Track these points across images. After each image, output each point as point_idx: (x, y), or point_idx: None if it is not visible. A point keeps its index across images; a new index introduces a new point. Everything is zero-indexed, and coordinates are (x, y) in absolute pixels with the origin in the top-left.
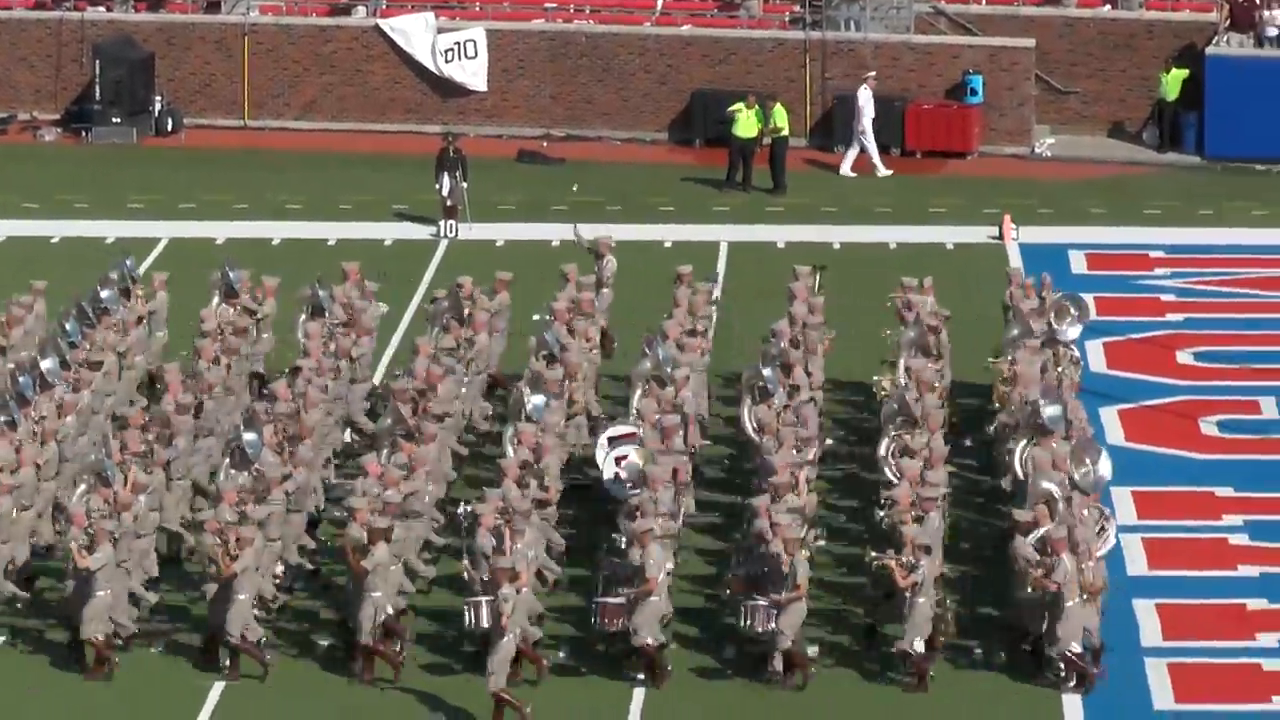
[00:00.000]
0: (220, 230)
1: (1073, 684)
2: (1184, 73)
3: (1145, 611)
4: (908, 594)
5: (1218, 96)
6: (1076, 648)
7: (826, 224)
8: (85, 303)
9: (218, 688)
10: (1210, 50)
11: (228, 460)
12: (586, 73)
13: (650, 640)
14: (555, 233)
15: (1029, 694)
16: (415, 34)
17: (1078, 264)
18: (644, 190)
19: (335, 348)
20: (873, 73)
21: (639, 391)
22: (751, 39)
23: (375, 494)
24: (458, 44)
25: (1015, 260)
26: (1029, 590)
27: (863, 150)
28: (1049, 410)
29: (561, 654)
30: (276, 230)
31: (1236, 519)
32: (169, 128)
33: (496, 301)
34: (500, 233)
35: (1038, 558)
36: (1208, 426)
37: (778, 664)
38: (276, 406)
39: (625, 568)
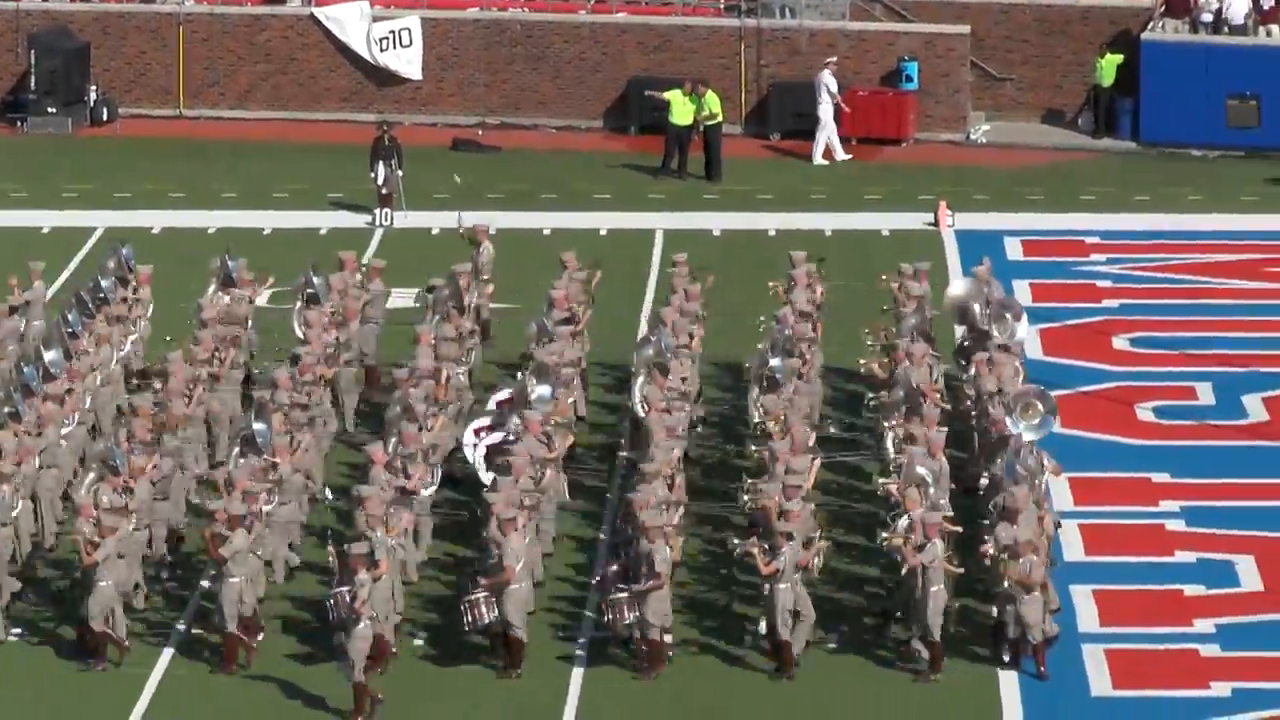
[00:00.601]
0: (156, 219)
1: (927, 669)
2: (1119, 58)
3: (1082, 597)
4: (768, 581)
5: (1153, 82)
6: (936, 634)
7: (762, 211)
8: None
9: (155, 677)
10: (1145, 35)
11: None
12: (521, 60)
13: (520, 631)
14: (491, 221)
15: (968, 677)
16: (350, 22)
17: (1013, 250)
18: (579, 178)
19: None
20: (833, 58)
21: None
22: (687, 26)
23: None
24: (392, 32)
25: (951, 246)
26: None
27: (816, 134)
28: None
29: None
30: (212, 219)
31: (1173, 505)
32: (104, 117)
33: (371, 289)
34: (435, 221)
35: (907, 540)
36: (1144, 412)
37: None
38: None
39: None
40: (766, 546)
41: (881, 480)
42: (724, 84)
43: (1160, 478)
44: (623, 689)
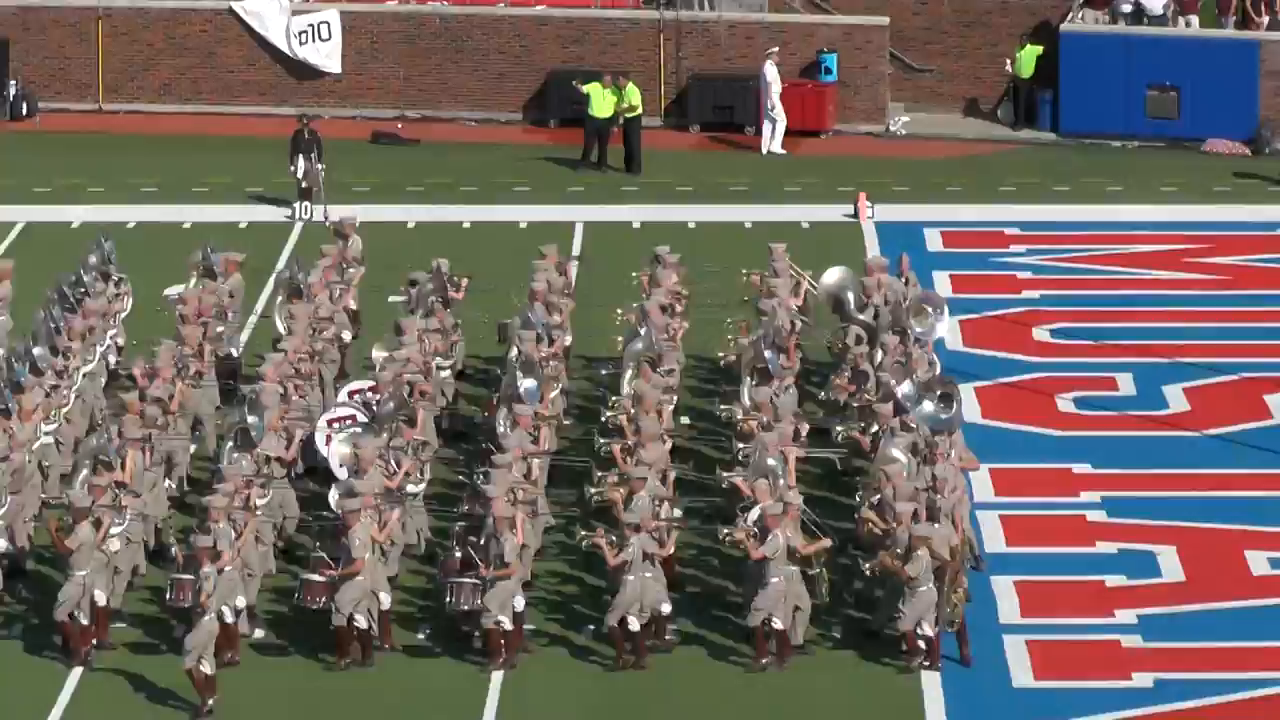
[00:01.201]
0: (76, 214)
1: (766, 660)
2: (1039, 49)
3: (1004, 588)
4: (621, 572)
5: (1072, 73)
6: (778, 623)
7: (682, 203)
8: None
9: (75, 674)
10: (1065, 26)
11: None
12: (441, 54)
13: (349, 620)
14: (411, 214)
15: (889, 673)
16: (269, 16)
17: (933, 241)
18: (499, 171)
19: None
20: (775, 48)
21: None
22: (606, 18)
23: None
24: (312, 26)
25: (871, 237)
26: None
27: (774, 124)
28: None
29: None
30: (132, 214)
31: (1094, 495)
32: (24, 112)
33: (231, 283)
34: (356, 214)
35: (755, 530)
36: (1064, 403)
37: (477, 643)
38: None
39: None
40: (614, 539)
41: (727, 475)
42: (643, 76)
43: (1081, 468)
44: (544, 680)
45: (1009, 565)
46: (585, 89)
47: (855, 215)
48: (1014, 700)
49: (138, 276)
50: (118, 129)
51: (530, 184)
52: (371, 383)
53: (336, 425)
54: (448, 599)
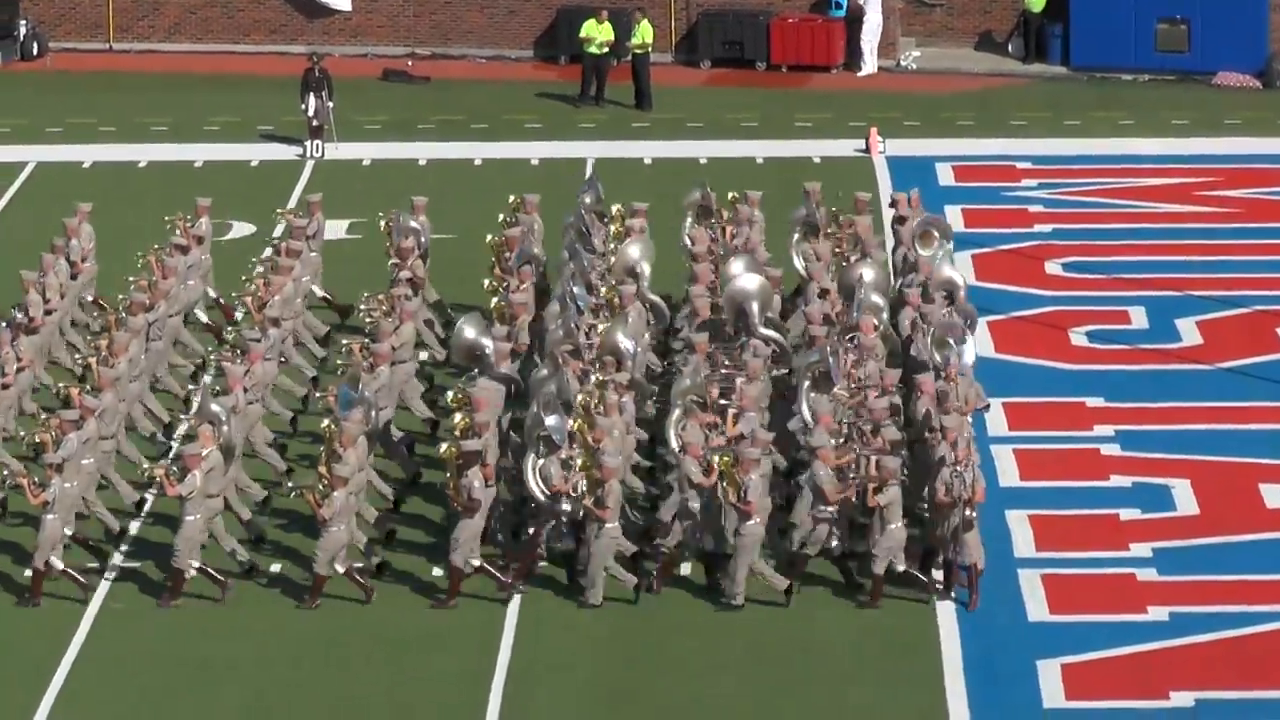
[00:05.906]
0: (86, 154)
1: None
2: None
3: (1018, 522)
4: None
5: (1083, 6)
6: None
7: (693, 139)
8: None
9: (90, 613)
10: None
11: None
12: None
13: (46, 565)
14: (422, 152)
15: (902, 609)
16: None
17: (945, 176)
18: (510, 108)
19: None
20: None
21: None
22: None
23: None
24: None
25: (882, 172)
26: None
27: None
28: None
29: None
30: (142, 153)
31: (1108, 429)
32: (34, 52)
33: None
34: (366, 152)
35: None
36: (1077, 337)
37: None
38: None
39: None
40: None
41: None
42: (653, 12)
43: (1095, 402)
44: (555, 623)
45: (1023, 499)
46: (583, 32)
47: (866, 150)
48: (1029, 634)
49: (150, 216)
50: (128, 68)
51: (541, 121)
52: None
53: None
54: None
